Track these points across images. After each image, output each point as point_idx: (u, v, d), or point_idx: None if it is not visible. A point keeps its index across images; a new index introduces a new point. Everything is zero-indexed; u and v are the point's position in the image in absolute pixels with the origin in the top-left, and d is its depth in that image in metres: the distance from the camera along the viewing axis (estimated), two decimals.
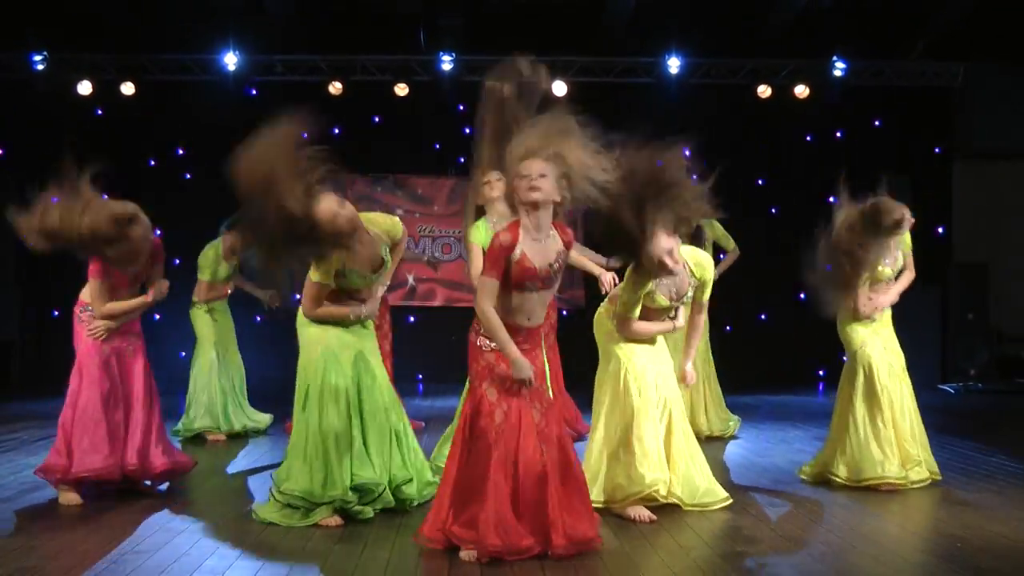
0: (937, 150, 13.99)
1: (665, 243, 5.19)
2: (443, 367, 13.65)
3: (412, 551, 4.76)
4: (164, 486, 6.30)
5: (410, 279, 14.49)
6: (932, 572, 4.56)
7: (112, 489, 6.06)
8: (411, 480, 5.55)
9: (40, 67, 12.83)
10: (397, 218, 5.77)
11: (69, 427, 5.95)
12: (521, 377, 4.48)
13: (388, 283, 6.09)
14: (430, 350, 14.20)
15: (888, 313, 6.63)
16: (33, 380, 13.41)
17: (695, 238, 7.93)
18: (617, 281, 5.78)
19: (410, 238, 14.56)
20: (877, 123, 13.58)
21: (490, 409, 4.55)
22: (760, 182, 13.74)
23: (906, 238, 6.55)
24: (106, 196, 6.03)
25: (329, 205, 4.96)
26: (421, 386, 13.75)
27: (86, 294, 6.11)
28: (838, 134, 13.59)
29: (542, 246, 4.54)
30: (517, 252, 4.48)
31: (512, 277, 4.50)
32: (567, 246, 4.67)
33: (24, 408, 10.59)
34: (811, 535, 5.22)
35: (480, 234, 6.10)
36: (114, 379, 6.06)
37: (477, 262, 5.83)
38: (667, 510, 5.54)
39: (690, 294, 5.72)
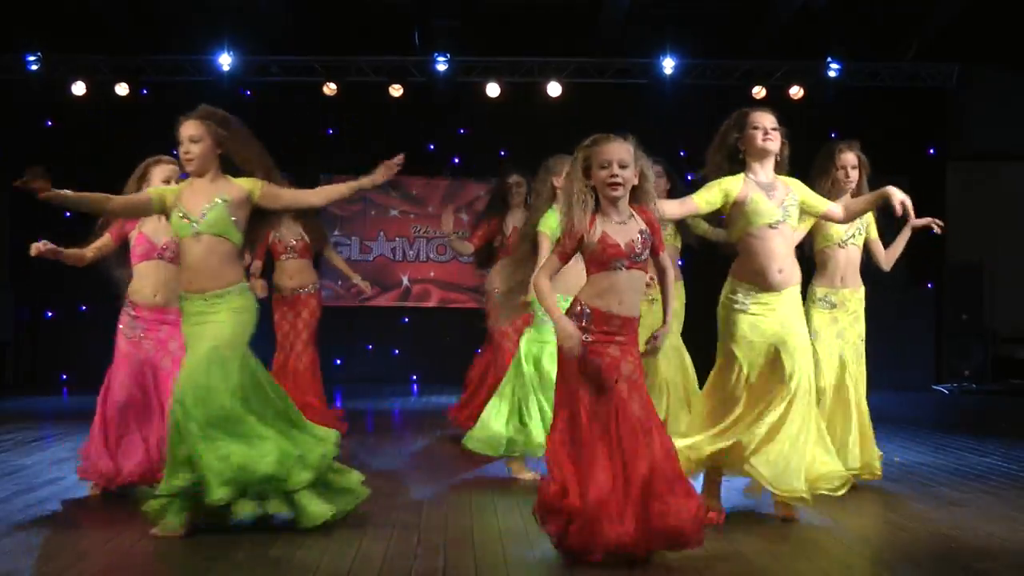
0: (931, 151, 14.04)
1: None
2: (437, 368, 13.73)
3: (409, 547, 4.76)
4: None
5: (405, 280, 14.51)
6: (925, 571, 4.59)
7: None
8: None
9: (34, 68, 12.85)
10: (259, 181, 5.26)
11: (103, 427, 5.89)
12: (567, 345, 4.45)
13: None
14: (425, 351, 14.26)
15: (858, 297, 6.56)
16: (27, 381, 13.43)
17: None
18: None
19: (404, 239, 14.62)
20: (871, 124, 13.62)
21: (593, 408, 4.49)
22: None
23: (869, 219, 6.57)
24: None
25: None
26: (416, 387, 13.78)
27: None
28: (832, 135, 13.61)
29: (624, 227, 4.56)
30: (597, 233, 4.51)
31: (597, 256, 4.53)
32: (651, 226, 4.63)
33: (17, 408, 10.60)
34: (800, 534, 5.23)
35: (551, 222, 6.15)
36: (146, 380, 5.92)
37: (545, 251, 5.94)
38: None
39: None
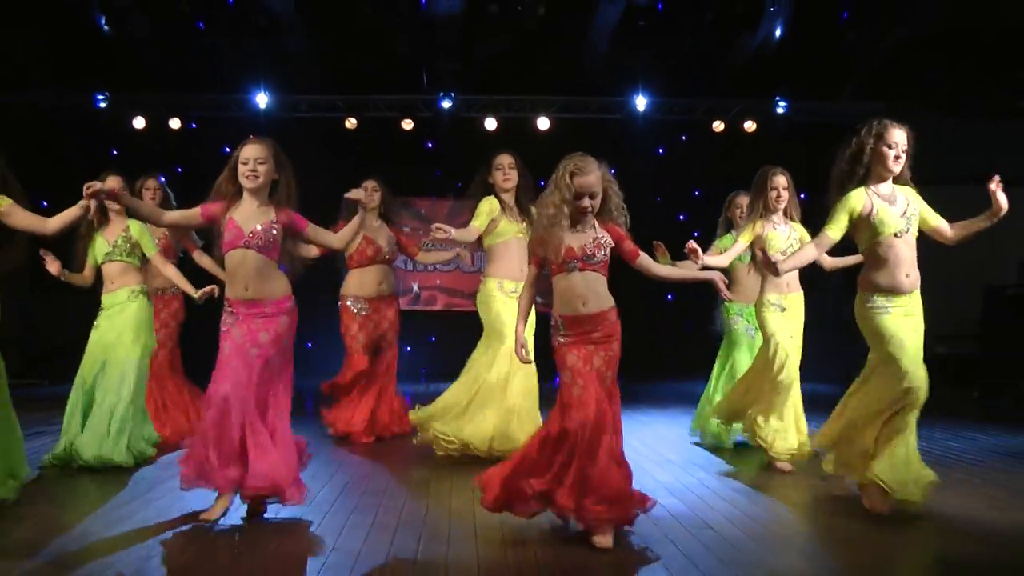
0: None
1: None
2: (443, 362, 13.76)
3: (413, 531, 4.67)
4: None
5: (415, 287, 14.53)
6: (834, 527, 4.62)
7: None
8: None
9: (102, 105, 12.99)
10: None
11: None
12: (516, 351, 4.73)
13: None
14: (432, 348, 14.30)
15: (799, 303, 6.54)
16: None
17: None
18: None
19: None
20: (813, 154, 13.62)
21: (568, 388, 4.47)
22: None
23: (802, 232, 6.52)
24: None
25: None
26: (424, 378, 13.77)
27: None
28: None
29: (582, 234, 4.54)
30: (556, 242, 4.51)
31: (556, 259, 4.52)
32: (614, 235, 4.59)
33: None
34: (746, 505, 5.26)
35: (725, 242, 6.92)
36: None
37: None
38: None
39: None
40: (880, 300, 4.96)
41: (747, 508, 5.14)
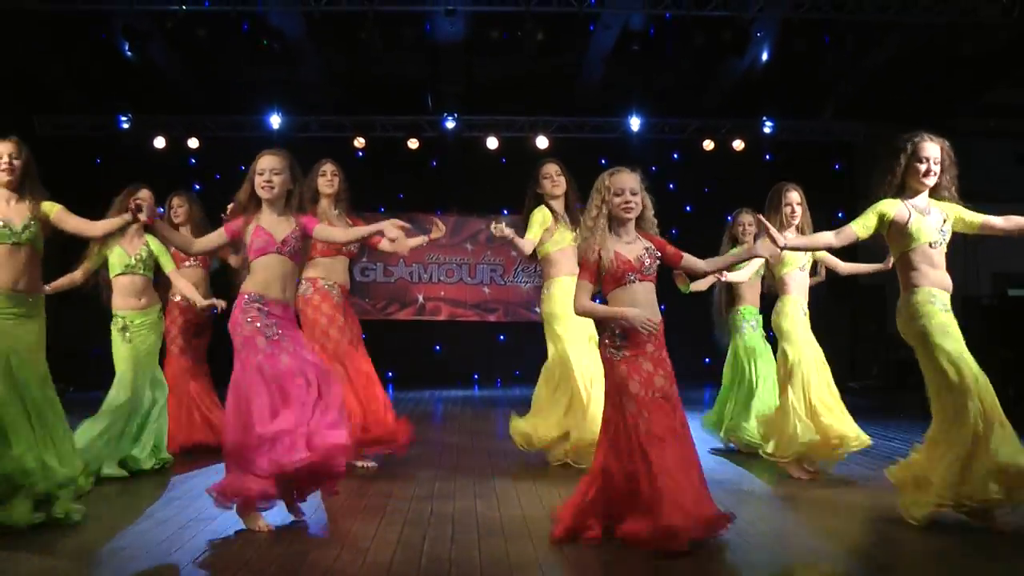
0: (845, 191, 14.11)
1: None
2: (447, 368, 13.86)
3: (419, 530, 4.61)
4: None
5: (420, 298, 14.54)
6: (843, 529, 4.60)
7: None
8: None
9: (125, 126, 13.11)
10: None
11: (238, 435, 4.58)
12: (643, 322, 4.27)
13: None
14: (437, 354, 14.32)
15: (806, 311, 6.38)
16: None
17: None
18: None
19: (420, 264, 14.63)
20: (799, 169, 13.61)
21: (634, 421, 4.26)
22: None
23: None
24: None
25: None
26: (429, 384, 13.78)
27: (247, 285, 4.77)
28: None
29: (632, 246, 4.41)
30: (611, 252, 4.35)
31: (613, 273, 4.35)
32: (656, 243, 4.46)
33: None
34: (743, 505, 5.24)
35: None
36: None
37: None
38: None
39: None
40: (925, 297, 4.76)
41: (733, 508, 5.12)
